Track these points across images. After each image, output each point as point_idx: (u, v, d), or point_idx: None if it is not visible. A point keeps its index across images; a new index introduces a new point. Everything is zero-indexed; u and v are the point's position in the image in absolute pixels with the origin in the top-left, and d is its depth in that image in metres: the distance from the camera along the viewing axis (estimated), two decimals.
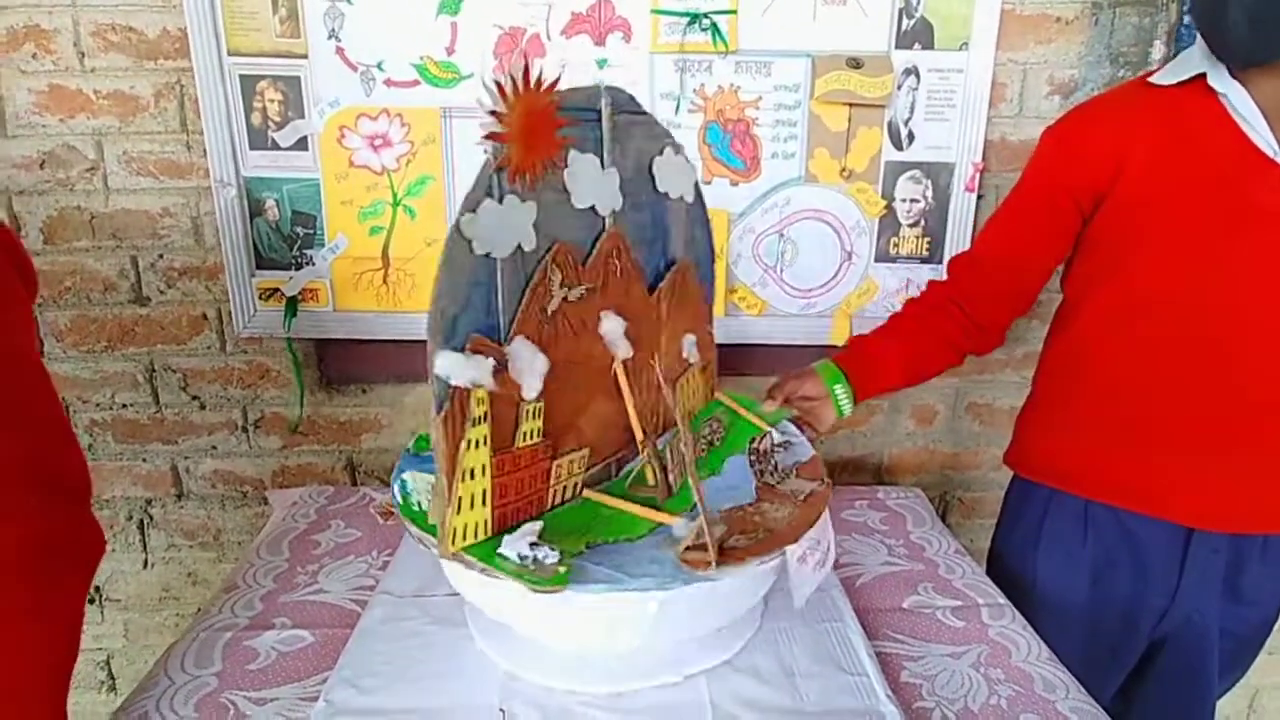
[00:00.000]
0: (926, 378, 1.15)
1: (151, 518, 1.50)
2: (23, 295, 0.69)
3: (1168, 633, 1.07)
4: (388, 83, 1.26)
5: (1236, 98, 0.91)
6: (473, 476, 0.72)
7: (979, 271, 1.11)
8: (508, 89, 0.69)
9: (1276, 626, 1.10)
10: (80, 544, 0.71)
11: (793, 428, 1.06)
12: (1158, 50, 1.32)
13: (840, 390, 1.08)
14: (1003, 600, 1.03)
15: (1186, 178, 0.93)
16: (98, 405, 1.42)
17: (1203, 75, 0.92)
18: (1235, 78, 0.91)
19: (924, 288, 1.17)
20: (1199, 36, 0.95)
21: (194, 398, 1.43)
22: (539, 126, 0.71)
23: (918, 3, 1.26)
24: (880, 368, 1.11)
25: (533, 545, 0.72)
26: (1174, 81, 0.95)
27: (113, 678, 1.61)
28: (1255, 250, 0.91)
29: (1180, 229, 0.93)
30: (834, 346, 1.40)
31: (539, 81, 0.71)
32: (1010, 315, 1.12)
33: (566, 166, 0.78)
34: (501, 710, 0.79)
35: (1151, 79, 0.98)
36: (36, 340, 0.72)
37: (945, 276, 1.16)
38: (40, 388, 0.70)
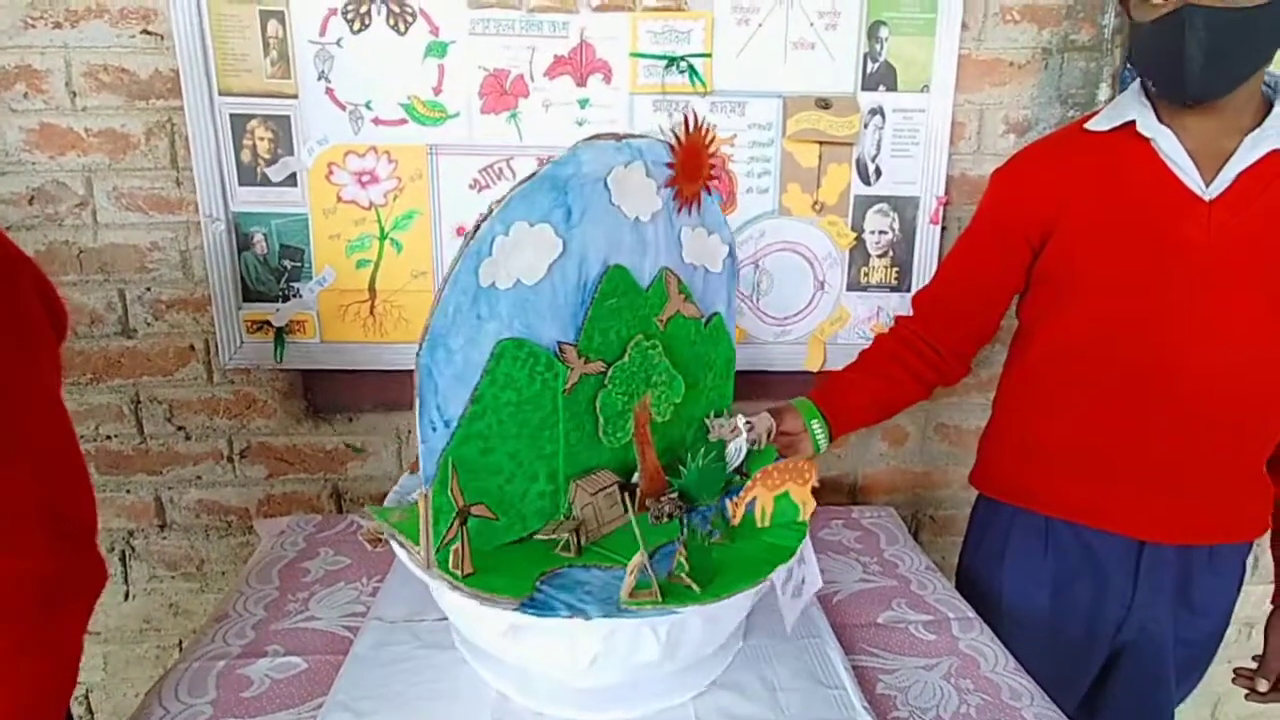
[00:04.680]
0: (895, 412, 1.22)
1: (133, 549, 1.50)
2: (51, 338, 0.71)
3: (1126, 642, 1.13)
4: (375, 121, 1.31)
5: (1165, 142, 0.98)
6: None
7: (940, 305, 1.18)
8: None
9: (1235, 637, 1.16)
10: (84, 579, 0.73)
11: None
12: (1104, 92, 1.41)
13: (817, 426, 1.13)
14: (971, 614, 1.08)
15: (1122, 217, 1.00)
16: (82, 437, 1.42)
17: (1133, 121, 1.00)
18: (1164, 123, 0.98)
19: (892, 323, 1.23)
20: (1135, 83, 1.03)
21: (179, 428, 1.44)
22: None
23: (881, 48, 1.34)
24: (853, 405, 1.16)
25: None
26: (1108, 128, 1.02)
27: (91, 712, 1.59)
28: (1188, 283, 0.97)
29: (1118, 265, 1.00)
30: (809, 373, 1.46)
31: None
32: (972, 345, 1.18)
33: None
34: None
35: (1087, 125, 1.05)
36: (60, 379, 0.74)
37: (910, 311, 1.22)
38: (61, 428, 0.72)
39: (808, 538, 0.88)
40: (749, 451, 1.02)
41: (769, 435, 1.05)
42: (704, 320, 1.01)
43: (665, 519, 0.90)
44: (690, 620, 0.77)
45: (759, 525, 0.91)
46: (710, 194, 0.97)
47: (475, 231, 0.76)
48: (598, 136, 0.85)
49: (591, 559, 0.85)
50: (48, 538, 0.68)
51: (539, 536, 0.88)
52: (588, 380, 0.88)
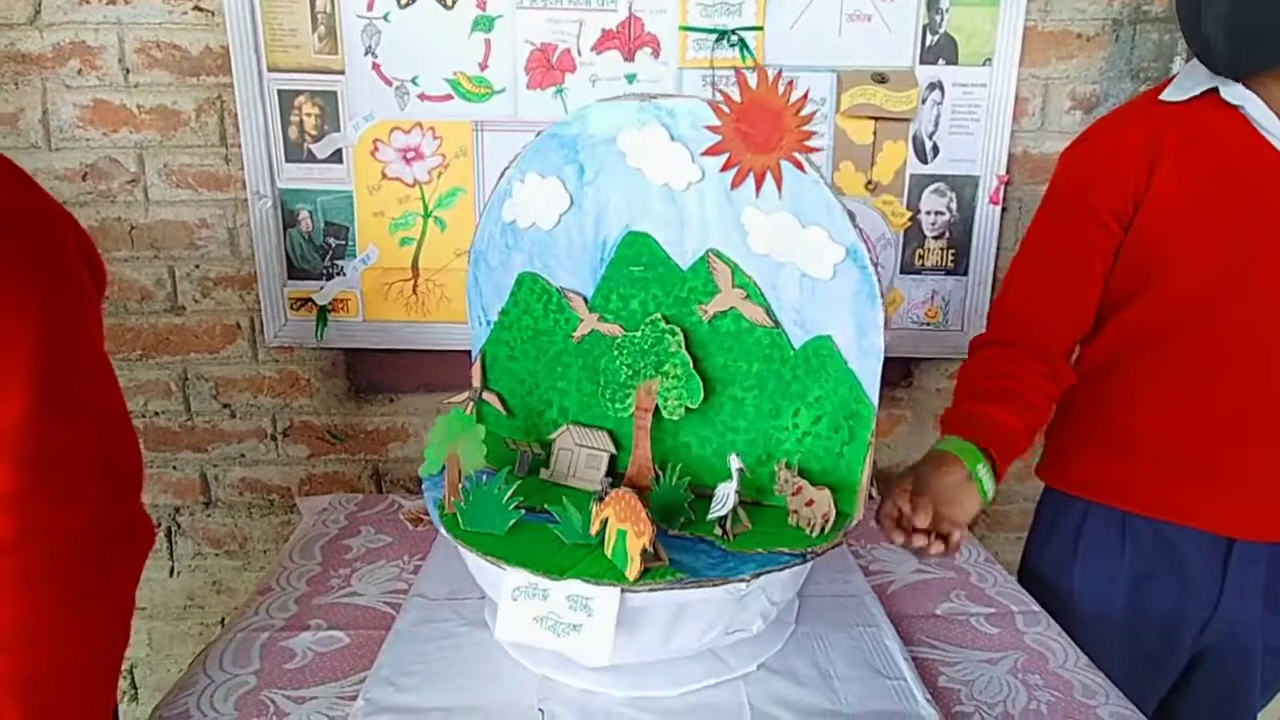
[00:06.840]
0: (1038, 432, 1.01)
1: (179, 525, 1.52)
2: (93, 293, 0.71)
3: (1209, 645, 1.06)
4: (421, 97, 1.29)
5: (1253, 107, 0.91)
6: None
7: (1031, 306, 1.03)
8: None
9: None
10: (134, 534, 0.73)
11: None
12: (1178, 65, 1.34)
13: (983, 471, 0.91)
14: (1036, 608, 1.02)
15: (1214, 189, 0.93)
16: (131, 412, 1.43)
17: (1214, 89, 0.93)
18: (1248, 87, 0.91)
19: (969, 353, 1.07)
20: None
21: (225, 406, 1.45)
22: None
23: (941, 19, 1.29)
24: (1011, 432, 0.94)
25: None
26: (1185, 97, 0.95)
27: (135, 687, 1.62)
28: None
29: (1211, 241, 0.93)
30: None
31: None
32: (1074, 340, 1.05)
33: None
34: (541, 710, 0.79)
35: (1162, 96, 0.98)
36: (102, 334, 0.74)
37: (986, 330, 1.08)
38: (108, 382, 0.72)
39: (615, 596, 0.73)
40: (734, 509, 0.82)
41: (825, 521, 0.82)
42: (791, 336, 0.84)
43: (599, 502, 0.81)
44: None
45: (605, 552, 0.78)
46: (804, 170, 0.78)
47: (502, 175, 0.90)
48: (622, 97, 0.84)
49: (524, 487, 0.85)
50: (100, 489, 0.68)
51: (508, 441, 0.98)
52: (601, 338, 0.92)
